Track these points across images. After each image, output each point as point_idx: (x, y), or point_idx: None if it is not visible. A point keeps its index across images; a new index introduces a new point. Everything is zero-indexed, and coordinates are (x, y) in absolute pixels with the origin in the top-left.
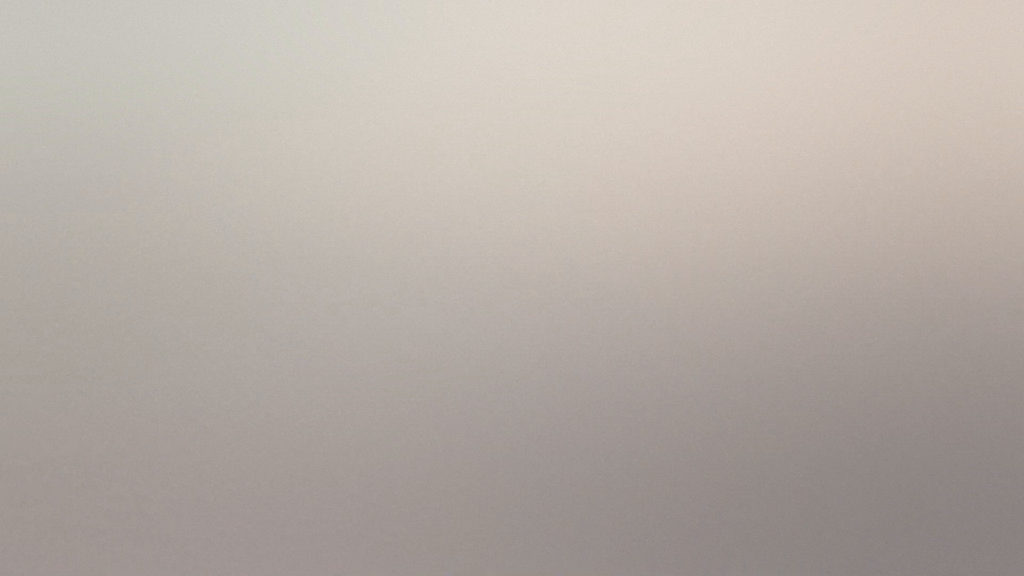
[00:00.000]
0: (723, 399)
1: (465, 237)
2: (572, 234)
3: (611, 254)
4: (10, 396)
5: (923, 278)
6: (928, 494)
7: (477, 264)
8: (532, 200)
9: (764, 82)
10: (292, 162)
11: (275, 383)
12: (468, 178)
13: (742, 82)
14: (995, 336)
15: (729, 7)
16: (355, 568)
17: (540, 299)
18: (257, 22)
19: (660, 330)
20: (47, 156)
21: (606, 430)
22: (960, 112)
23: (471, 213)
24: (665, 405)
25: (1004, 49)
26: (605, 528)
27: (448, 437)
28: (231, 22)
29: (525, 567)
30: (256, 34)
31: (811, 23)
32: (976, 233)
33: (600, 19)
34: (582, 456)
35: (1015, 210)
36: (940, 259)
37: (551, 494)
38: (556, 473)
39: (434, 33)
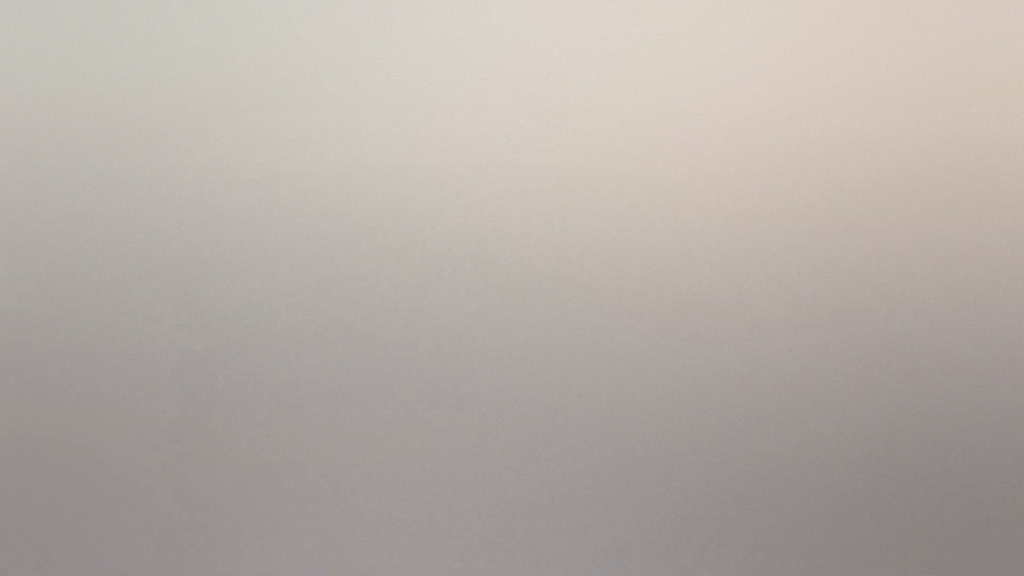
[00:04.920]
0: (721, 399)
1: (463, 234)
2: (570, 232)
3: (609, 253)
4: (10, 395)
5: (922, 278)
6: (928, 495)
7: (475, 261)
8: (531, 196)
9: (763, 81)
10: (290, 157)
11: (273, 378)
12: (465, 174)
13: (741, 81)
14: (995, 336)
15: (729, 7)
16: (355, 568)
17: (538, 296)
18: (255, 16)
19: (659, 330)
20: (46, 150)
21: (605, 430)
22: (960, 113)
23: (469, 209)
24: (663, 405)
25: (1004, 49)
26: (605, 529)
27: (445, 435)
28: (229, 16)
29: (525, 567)
30: (254, 29)
31: (809, 23)
32: (976, 233)
33: (598, 18)
34: (581, 456)
35: (1015, 210)
36: (939, 259)
37: (551, 494)
38: (555, 473)
39: (433, 29)
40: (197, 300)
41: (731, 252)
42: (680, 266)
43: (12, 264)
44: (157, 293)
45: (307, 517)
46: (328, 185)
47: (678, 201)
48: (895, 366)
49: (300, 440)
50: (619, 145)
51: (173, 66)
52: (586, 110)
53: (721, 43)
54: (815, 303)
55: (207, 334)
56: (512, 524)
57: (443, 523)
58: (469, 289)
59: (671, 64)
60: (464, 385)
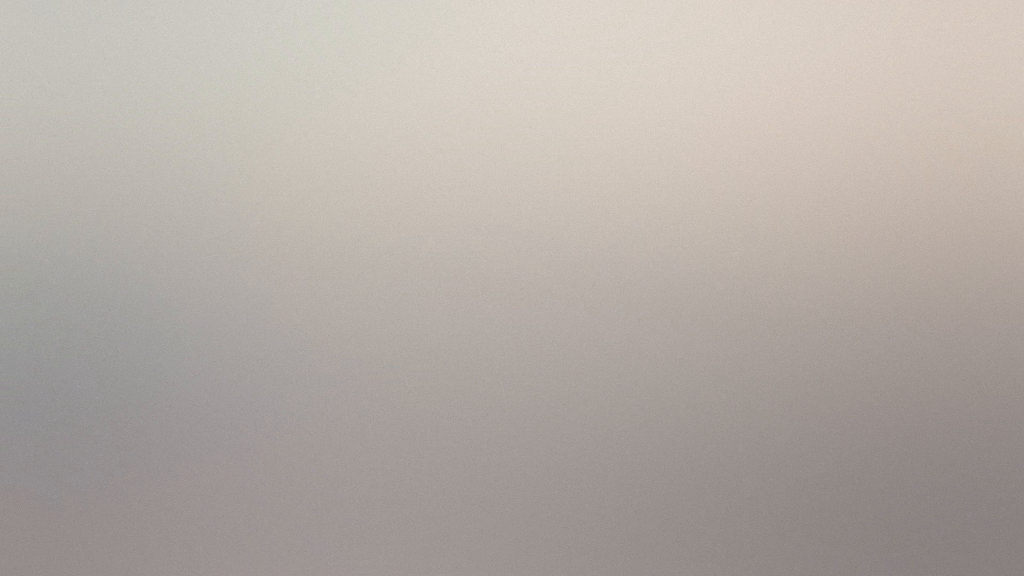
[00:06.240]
0: (723, 400)
1: (466, 236)
2: (572, 234)
3: (611, 254)
4: (12, 398)
5: (923, 280)
6: (928, 497)
7: (477, 264)
8: (533, 200)
9: (765, 83)
10: (293, 162)
11: (276, 382)
12: (468, 178)
13: (743, 83)
14: (995, 338)
15: (730, 7)
16: (354, 568)
17: (540, 298)
18: (259, 21)
19: (659, 331)
20: (49, 156)
21: (605, 431)
22: (961, 113)
23: (471, 212)
24: (665, 406)
25: (1004, 49)
26: (604, 530)
27: (445, 437)
28: (232, 22)
29: (524, 567)
30: (257, 33)
31: (811, 23)
32: (976, 234)
33: (602, 18)
34: (581, 457)
35: (1015, 211)
36: (940, 260)
37: (550, 495)
38: (555, 474)
39: (435, 33)
40: (196, 299)
41: (732, 252)
42: (682, 266)
43: (11, 264)
44: (156, 292)
45: (306, 517)
46: (329, 185)
47: (681, 201)
48: (897, 367)
49: (298, 440)
50: (621, 144)
51: (174, 66)
52: (587, 109)
53: (722, 42)
54: (816, 303)
55: (206, 333)
56: (511, 525)
57: (442, 524)
58: (471, 289)
59: (674, 64)
60: (464, 385)
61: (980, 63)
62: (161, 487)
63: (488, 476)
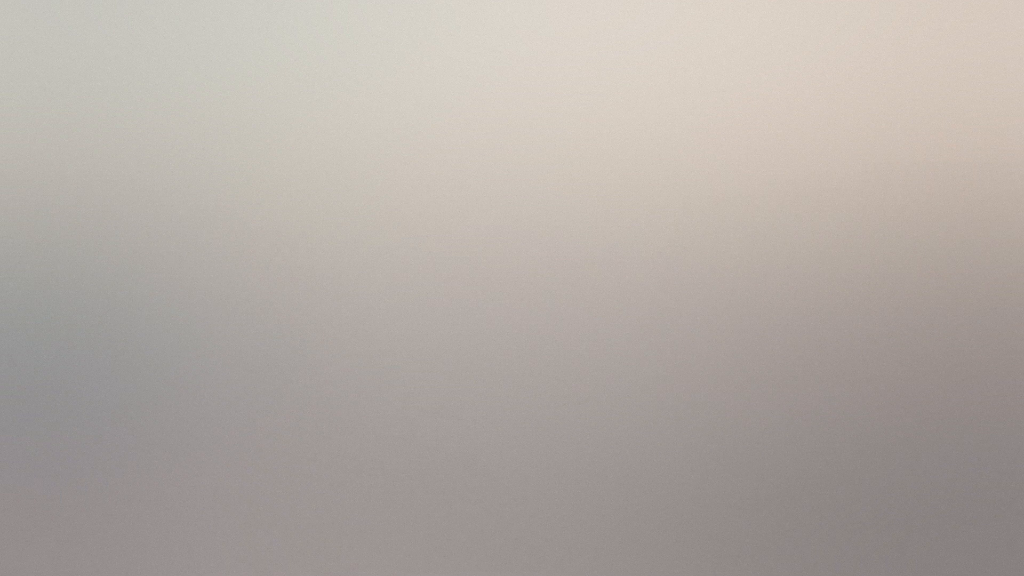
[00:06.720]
0: (723, 400)
1: (466, 236)
2: (572, 234)
3: (611, 254)
4: (11, 401)
5: (923, 279)
6: (927, 496)
7: (479, 265)
8: (533, 201)
9: (765, 83)
10: (293, 162)
11: (274, 382)
12: (470, 179)
13: (743, 83)
14: (995, 338)
15: (730, 7)
16: (354, 568)
17: (540, 298)
18: (259, 21)
19: (659, 330)
20: (52, 157)
21: (605, 431)
22: (961, 113)
23: (471, 212)
24: (665, 406)
25: (1004, 49)
26: (603, 529)
27: (445, 437)
28: (232, 22)
29: (524, 567)
30: (257, 33)
31: (811, 23)
32: (977, 234)
33: (602, 18)
34: (581, 457)
35: (1015, 210)
36: (940, 260)
37: (550, 495)
38: (555, 474)
39: (435, 33)
40: (195, 299)
41: (732, 252)
42: (682, 265)
43: (11, 264)
44: (155, 292)
45: (306, 517)
46: (329, 185)
47: (681, 201)
48: (897, 367)
49: (299, 440)
50: (621, 144)
51: (174, 66)
52: (587, 109)
53: (722, 42)
54: (816, 303)
55: (205, 333)
56: (511, 525)
57: (442, 524)
58: (471, 289)
59: (674, 64)
60: (464, 385)
61: (980, 63)
62: (161, 487)
63: (488, 476)
